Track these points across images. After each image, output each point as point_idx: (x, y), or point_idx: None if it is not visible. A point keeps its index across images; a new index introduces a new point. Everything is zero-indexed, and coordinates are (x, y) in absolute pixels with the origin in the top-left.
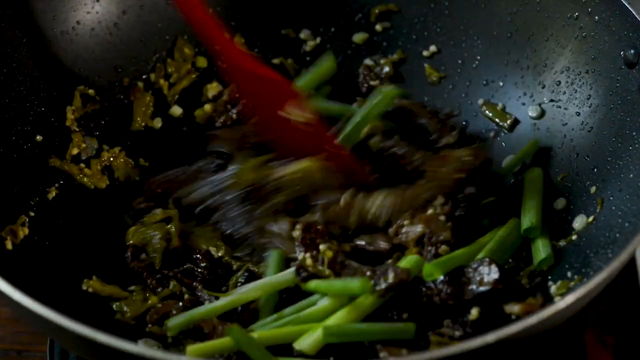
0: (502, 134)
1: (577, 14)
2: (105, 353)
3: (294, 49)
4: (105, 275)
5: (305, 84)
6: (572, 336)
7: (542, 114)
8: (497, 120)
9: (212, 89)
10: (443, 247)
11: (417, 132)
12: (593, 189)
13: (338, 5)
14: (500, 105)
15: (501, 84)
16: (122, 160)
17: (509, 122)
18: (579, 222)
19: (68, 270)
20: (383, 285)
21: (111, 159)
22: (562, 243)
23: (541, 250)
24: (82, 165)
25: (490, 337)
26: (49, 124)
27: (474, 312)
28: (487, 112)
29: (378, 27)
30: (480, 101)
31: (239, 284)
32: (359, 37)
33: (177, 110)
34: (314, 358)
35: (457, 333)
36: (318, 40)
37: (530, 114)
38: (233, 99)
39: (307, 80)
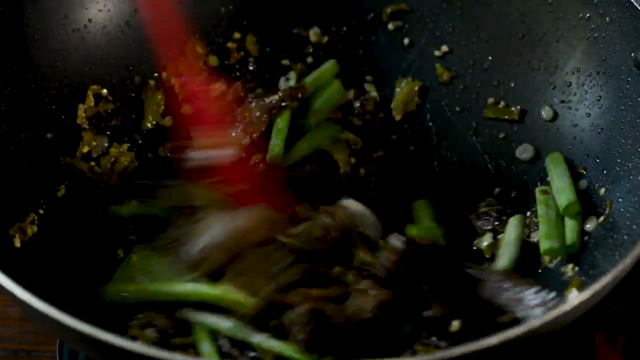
0: (513, 135)
1: (588, 14)
2: (112, 353)
3: (304, 48)
4: (112, 273)
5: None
6: (581, 336)
7: (554, 115)
8: (505, 116)
9: (215, 90)
10: None
11: None
12: (602, 191)
13: (350, 4)
14: (502, 104)
15: (512, 84)
16: (127, 158)
17: (515, 114)
18: (589, 224)
19: (76, 268)
20: None
21: (120, 156)
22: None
23: (569, 234)
24: (92, 163)
25: (495, 339)
26: (59, 121)
27: (456, 324)
28: (491, 114)
29: (390, 27)
30: (491, 100)
31: None
32: None
33: (188, 109)
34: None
35: (443, 344)
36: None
37: (542, 115)
38: (238, 98)
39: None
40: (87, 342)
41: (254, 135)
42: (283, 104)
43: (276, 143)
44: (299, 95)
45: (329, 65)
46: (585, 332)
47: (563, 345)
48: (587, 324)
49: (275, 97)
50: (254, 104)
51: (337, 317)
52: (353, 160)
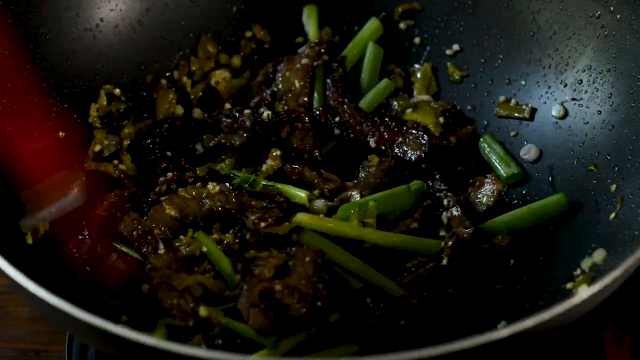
0: (524, 133)
1: (599, 12)
2: (122, 345)
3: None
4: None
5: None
6: (590, 335)
7: (565, 113)
8: (515, 114)
9: (216, 75)
10: None
11: None
12: (613, 187)
13: (361, 4)
14: (513, 101)
15: (523, 82)
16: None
17: (527, 112)
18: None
19: None
20: None
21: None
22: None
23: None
24: (116, 161)
25: (505, 332)
26: (71, 120)
27: None
28: (503, 112)
29: (402, 26)
30: (502, 98)
31: None
32: None
33: (198, 112)
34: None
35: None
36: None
37: (552, 113)
38: (267, 79)
39: (353, 45)
40: (95, 334)
41: (301, 101)
42: (315, 64)
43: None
44: (323, 50)
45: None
46: (594, 331)
47: (573, 345)
48: (596, 322)
49: (305, 61)
50: (288, 74)
51: (286, 295)
52: (442, 120)
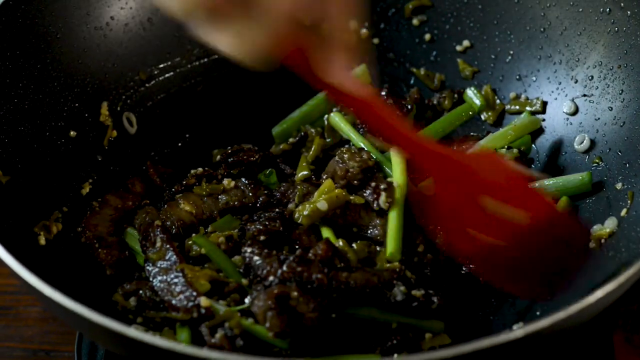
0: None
1: (609, 8)
2: (136, 348)
3: None
4: (133, 272)
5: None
6: (600, 336)
7: (576, 109)
8: (526, 109)
9: None
10: None
11: None
12: (625, 184)
13: (371, 0)
14: (524, 97)
15: (534, 78)
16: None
17: (538, 105)
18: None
19: (100, 266)
20: None
21: None
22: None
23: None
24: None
25: (519, 332)
26: (82, 119)
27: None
28: (514, 107)
29: (415, 22)
30: (513, 95)
31: None
32: None
33: None
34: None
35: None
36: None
37: (563, 109)
38: None
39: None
40: (109, 336)
41: None
42: None
43: None
44: None
45: None
46: (604, 332)
47: (583, 346)
48: (606, 324)
49: None
50: None
51: (301, 303)
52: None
